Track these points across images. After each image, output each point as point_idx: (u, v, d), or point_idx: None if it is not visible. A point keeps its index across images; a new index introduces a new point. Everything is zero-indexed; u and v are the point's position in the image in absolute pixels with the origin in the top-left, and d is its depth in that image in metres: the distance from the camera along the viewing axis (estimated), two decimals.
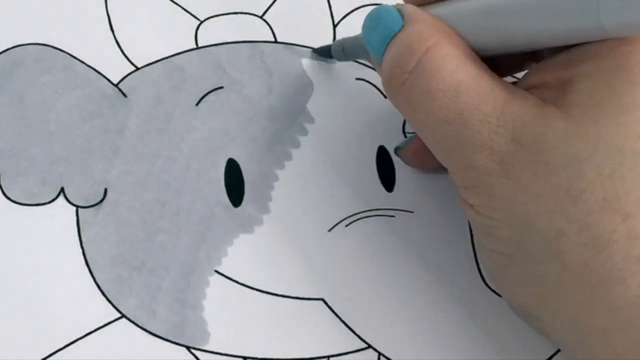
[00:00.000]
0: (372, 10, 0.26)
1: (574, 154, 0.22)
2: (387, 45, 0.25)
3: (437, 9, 0.26)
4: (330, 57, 0.32)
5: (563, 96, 0.23)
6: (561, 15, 0.21)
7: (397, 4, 0.26)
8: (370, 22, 0.26)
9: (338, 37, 0.34)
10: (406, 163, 0.31)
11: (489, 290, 0.30)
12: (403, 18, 0.25)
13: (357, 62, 0.33)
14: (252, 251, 0.30)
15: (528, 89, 0.24)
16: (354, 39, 0.30)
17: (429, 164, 0.29)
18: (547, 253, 0.23)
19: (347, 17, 0.34)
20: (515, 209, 0.23)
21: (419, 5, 0.26)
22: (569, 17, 0.21)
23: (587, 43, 0.23)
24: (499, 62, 0.27)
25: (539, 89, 0.24)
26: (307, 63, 0.33)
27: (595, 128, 0.22)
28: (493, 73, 0.24)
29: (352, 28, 0.34)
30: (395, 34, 0.25)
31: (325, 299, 0.29)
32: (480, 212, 0.24)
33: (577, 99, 0.23)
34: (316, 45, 0.33)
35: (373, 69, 0.33)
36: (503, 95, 0.23)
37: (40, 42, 0.32)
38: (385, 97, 0.33)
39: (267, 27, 0.34)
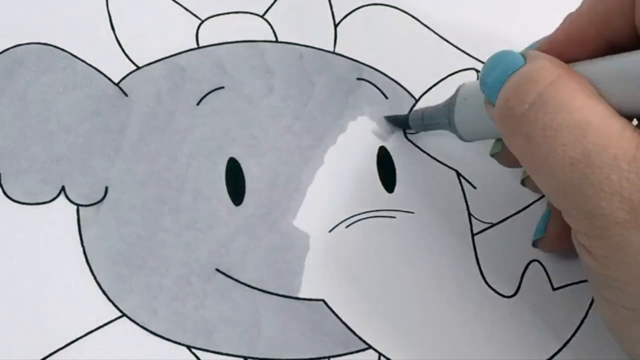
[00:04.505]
0: (493, 55, 0.25)
1: None
2: (504, 81, 0.24)
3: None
4: (404, 126, 0.32)
5: None
6: None
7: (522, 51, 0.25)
8: (490, 63, 0.25)
9: (340, 37, 0.34)
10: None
11: (489, 290, 0.30)
12: (525, 58, 0.24)
13: (357, 61, 0.33)
14: (252, 250, 0.30)
15: None
16: (435, 108, 0.30)
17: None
18: None
19: (348, 17, 0.34)
20: None
21: None
22: None
23: None
24: None
25: None
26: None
27: None
28: (619, 115, 0.22)
29: (353, 28, 0.34)
30: (515, 71, 0.24)
31: (326, 300, 0.29)
32: (604, 263, 0.22)
33: None
34: (317, 45, 0.33)
35: (374, 69, 0.33)
36: (635, 139, 0.21)
37: (41, 41, 0.32)
38: (386, 97, 0.33)
39: (268, 27, 0.34)
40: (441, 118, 0.29)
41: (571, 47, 0.25)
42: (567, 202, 0.23)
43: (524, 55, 0.24)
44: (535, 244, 0.30)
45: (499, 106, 0.24)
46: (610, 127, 0.21)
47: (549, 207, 0.29)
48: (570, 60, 0.24)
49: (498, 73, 0.24)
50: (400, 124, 0.32)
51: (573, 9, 0.26)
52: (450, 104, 0.29)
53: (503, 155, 0.28)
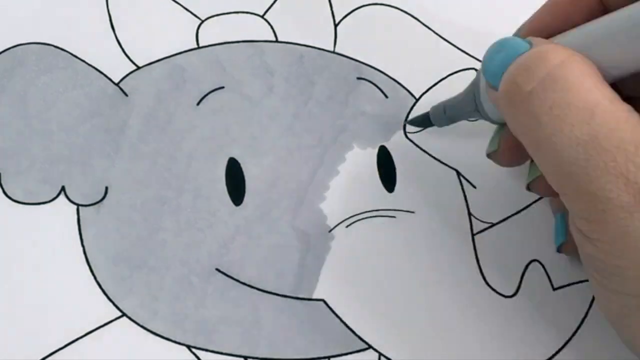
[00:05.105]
0: (496, 41, 0.25)
1: None
2: (510, 64, 0.23)
3: (561, 39, 0.24)
4: (427, 125, 0.31)
5: None
6: None
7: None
8: (493, 49, 0.24)
9: (340, 37, 0.34)
10: (500, 164, 0.29)
11: (489, 290, 0.30)
12: (530, 43, 0.24)
13: (357, 61, 0.33)
14: (252, 250, 0.30)
15: None
16: (454, 99, 0.30)
17: (523, 159, 0.28)
18: None
19: (348, 17, 0.34)
20: None
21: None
22: None
23: None
24: None
25: None
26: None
27: None
28: (625, 103, 0.22)
29: (353, 28, 0.34)
30: (520, 55, 0.23)
31: (326, 300, 0.29)
32: (605, 249, 0.22)
33: None
34: (317, 45, 0.33)
35: (374, 68, 0.33)
36: None
37: (41, 41, 0.32)
38: (386, 96, 0.33)
39: (268, 27, 0.34)
40: (466, 106, 0.29)
41: (570, 8, 0.25)
42: (569, 184, 0.22)
43: (529, 41, 0.24)
44: (559, 249, 0.29)
45: (505, 84, 0.23)
46: (618, 110, 0.21)
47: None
48: (569, 26, 0.24)
49: (502, 57, 0.24)
50: (422, 123, 0.32)
51: None
52: (472, 90, 0.28)
53: (500, 154, 0.28)
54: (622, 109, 0.21)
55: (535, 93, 0.22)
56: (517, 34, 0.27)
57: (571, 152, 0.22)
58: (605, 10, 0.24)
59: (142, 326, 0.28)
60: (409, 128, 0.32)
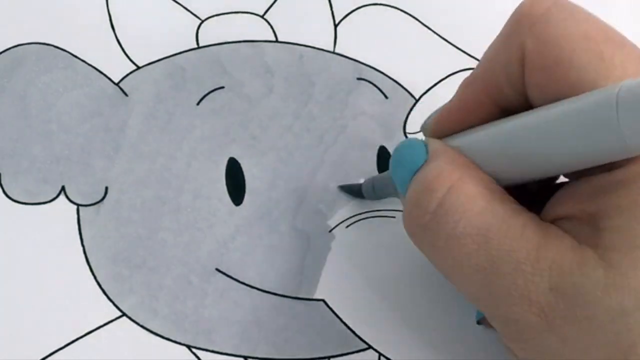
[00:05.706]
0: (399, 143, 0.25)
1: (618, 307, 0.20)
2: (410, 180, 0.24)
3: (459, 140, 0.24)
4: (359, 196, 0.31)
5: (595, 234, 0.21)
6: (581, 136, 0.20)
7: (425, 139, 0.25)
8: (396, 156, 0.25)
9: (339, 38, 0.34)
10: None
11: None
12: (427, 152, 0.24)
13: (357, 61, 0.33)
14: (252, 250, 0.30)
15: (554, 220, 0.22)
16: (382, 177, 0.29)
17: None
18: None
19: (348, 17, 0.34)
20: None
21: (442, 136, 0.25)
22: (589, 137, 0.20)
23: (611, 170, 0.21)
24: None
25: (569, 220, 0.22)
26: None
27: (636, 278, 0.20)
28: (521, 207, 0.22)
29: (353, 28, 0.34)
30: (418, 169, 0.24)
31: (326, 300, 0.29)
32: None
33: (612, 240, 0.20)
34: (317, 45, 0.33)
35: (374, 69, 0.33)
36: (536, 238, 0.21)
37: (41, 41, 0.32)
38: (386, 97, 0.33)
39: (268, 27, 0.34)
40: (391, 187, 0.28)
41: (467, 114, 0.25)
42: (483, 308, 0.23)
43: (426, 150, 0.24)
44: (479, 322, 0.30)
45: (404, 217, 0.24)
46: (510, 228, 0.21)
47: None
48: (469, 126, 0.24)
49: (403, 172, 0.24)
50: (355, 193, 0.31)
51: None
52: None
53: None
54: (516, 226, 0.21)
55: (429, 227, 0.23)
56: (425, 126, 0.27)
57: (474, 280, 0.22)
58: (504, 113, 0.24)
59: (142, 326, 0.28)
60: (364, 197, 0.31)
